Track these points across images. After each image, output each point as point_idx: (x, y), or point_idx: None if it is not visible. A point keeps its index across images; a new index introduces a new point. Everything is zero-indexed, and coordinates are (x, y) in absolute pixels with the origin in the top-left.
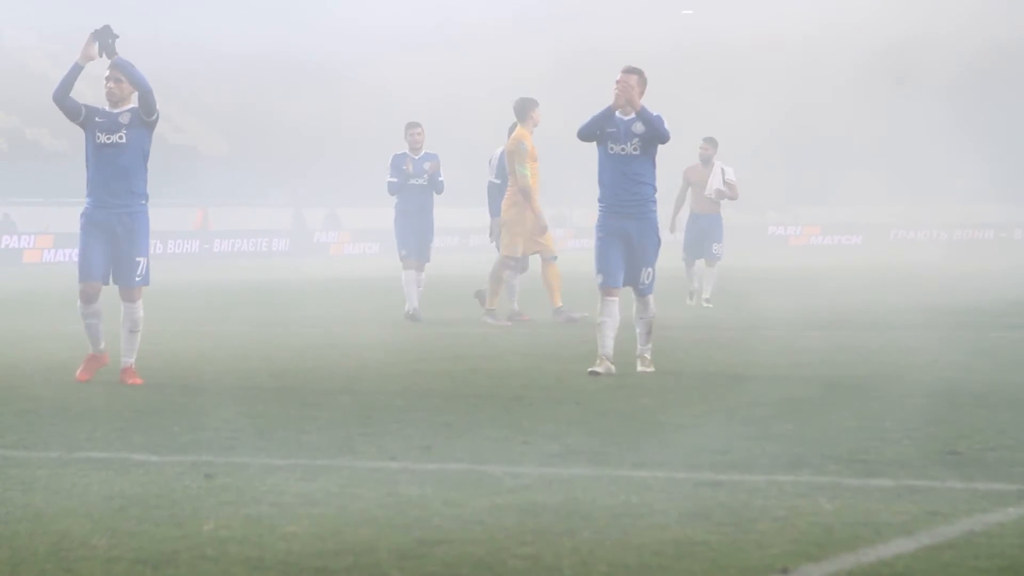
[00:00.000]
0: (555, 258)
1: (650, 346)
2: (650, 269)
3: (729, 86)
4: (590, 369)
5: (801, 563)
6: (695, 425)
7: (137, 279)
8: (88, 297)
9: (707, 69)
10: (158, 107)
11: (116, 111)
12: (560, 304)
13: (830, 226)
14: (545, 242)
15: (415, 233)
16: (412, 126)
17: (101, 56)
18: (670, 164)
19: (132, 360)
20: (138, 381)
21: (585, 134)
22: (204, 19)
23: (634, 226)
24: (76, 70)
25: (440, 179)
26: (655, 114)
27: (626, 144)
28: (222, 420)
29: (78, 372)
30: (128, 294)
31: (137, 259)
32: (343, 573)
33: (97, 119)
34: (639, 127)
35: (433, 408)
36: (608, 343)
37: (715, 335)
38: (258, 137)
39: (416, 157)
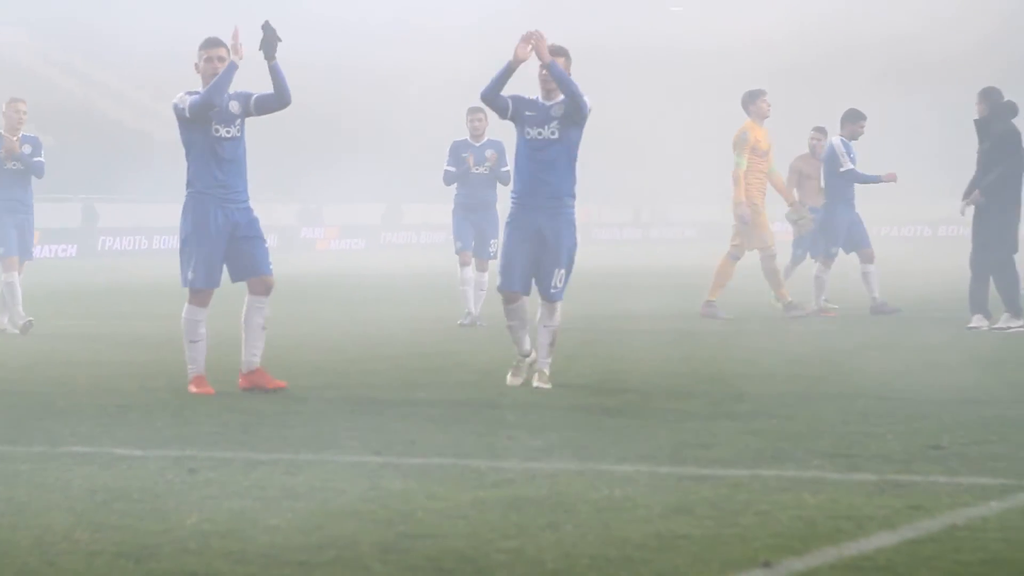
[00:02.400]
0: (737, 257)
1: (550, 360)
2: (562, 271)
3: (713, 84)
4: (511, 381)
5: (783, 557)
6: (678, 420)
7: (553, 291)
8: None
9: (692, 66)
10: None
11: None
12: (714, 298)
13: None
14: (740, 237)
15: (474, 227)
16: (473, 111)
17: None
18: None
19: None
20: (282, 384)
21: (487, 93)
22: (185, 10)
23: (548, 222)
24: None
25: (505, 169)
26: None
27: (543, 128)
28: (205, 415)
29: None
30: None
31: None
32: (326, 567)
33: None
34: (558, 110)
35: (417, 403)
36: (525, 340)
37: (698, 329)
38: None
39: (477, 144)
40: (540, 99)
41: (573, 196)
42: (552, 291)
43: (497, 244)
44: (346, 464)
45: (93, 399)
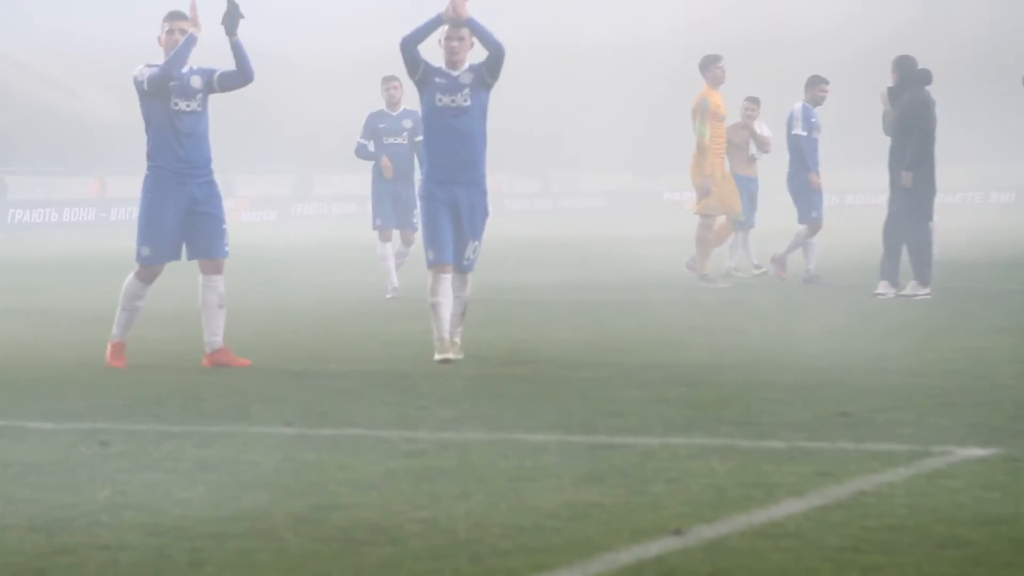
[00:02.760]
0: (710, 225)
1: (461, 330)
2: (477, 243)
3: (625, 47)
4: (439, 358)
5: (694, 524)
6: (589, 389)
7: (465, 263)
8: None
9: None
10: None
11: (455, 72)
12: (706, 271)
13: None
14: (708, 202)
15: (395, 199)
16: (389, 80)
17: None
18: None
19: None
20: (246, 362)
21: (408, 41)
22: None
23: (464, 193)
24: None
25: (420, 139)
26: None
27: (456, 95)
28: (117, 387)
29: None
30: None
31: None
32: (239, 538)
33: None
34: (467, 77)
35: (329, 374)
36: (447, 326)
37: (609, 298)
38: None
39: (394, 114)
40: (445, 67)
41: (486, 164)
42: (465, 263)
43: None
44: (258, 435)
45: (4, 373)
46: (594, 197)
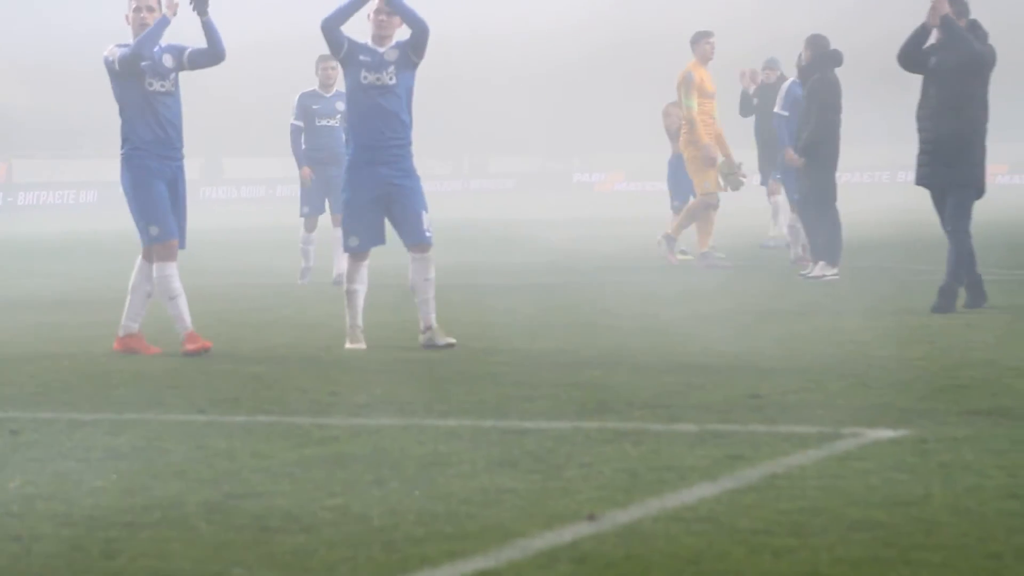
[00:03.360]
0: (718, 199)
1: (434, 314)
2: (425, 212)
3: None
4: (349, 346)
5: (608, 509)
6: (502, 373)
7: (428, 234)
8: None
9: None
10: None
11: (381, 49)
12: (707, 248)
13: (634, 173)
14: (709, 179)
15: (326, 183)
16: (325, 59)
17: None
18: None
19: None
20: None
21: (330, 22)
22: None
23: (395, 171)
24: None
25: None
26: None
27: (381, 73)
28: (27, 375)
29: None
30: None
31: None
32: (151, 527)
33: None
34: (392, 54)
35: (240, 359)
36: (359, 315)
37: (518, 282)
38: (62, 87)
39: (327, 95)
40: (371, 44)
41: (411, 143)
42: (427, 233)
43: None
44: (170, 423)
45: None
46: (504, 179)
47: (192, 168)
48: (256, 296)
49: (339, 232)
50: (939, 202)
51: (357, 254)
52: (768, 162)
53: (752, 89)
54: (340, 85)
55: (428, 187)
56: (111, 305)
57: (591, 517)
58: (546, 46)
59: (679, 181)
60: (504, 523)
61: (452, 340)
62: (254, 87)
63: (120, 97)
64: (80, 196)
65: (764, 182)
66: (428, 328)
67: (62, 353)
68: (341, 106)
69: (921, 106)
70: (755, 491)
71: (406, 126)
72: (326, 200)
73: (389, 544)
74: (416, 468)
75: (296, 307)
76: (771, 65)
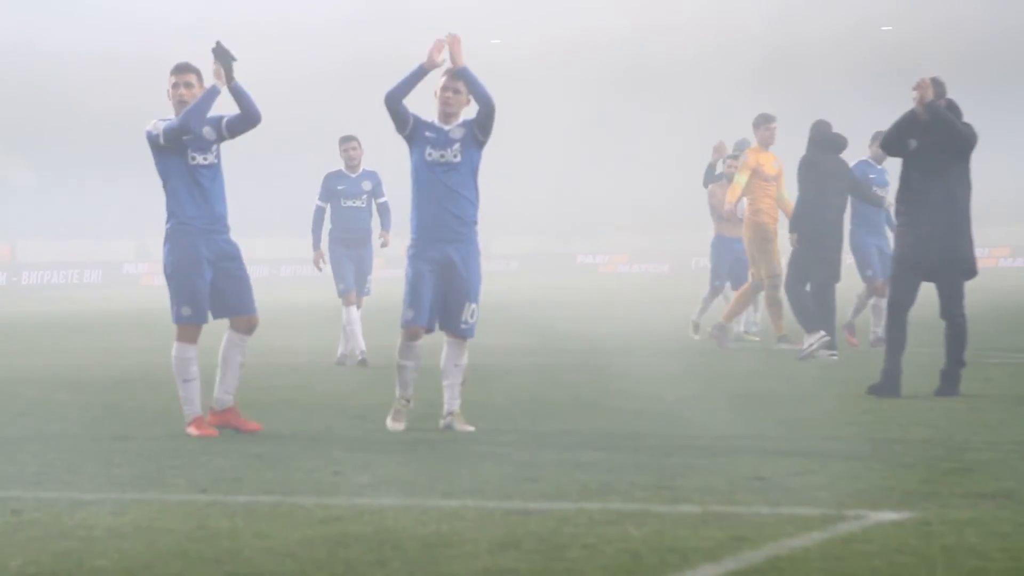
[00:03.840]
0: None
1: (459, 401)
2: (475, 306)
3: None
4: (390, 424)
5: None
6: (505, 453)
7: (467, 325)
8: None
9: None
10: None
11: (447, 127)
12: (727, 322)
13: (639, 253)
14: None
15: (353, 263)
16: (346, 140)
17: (220, 79)
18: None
19: None
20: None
21: (394, 97)
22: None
23: (456, 252)
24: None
25: (383, 200)
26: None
27: (445, 150)
28: (30, 454)
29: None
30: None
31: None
32: None
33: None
34: (458, 132)
35: (243, 439)
36: (412, 384)
37: (518, 364)
38: (66, 167)
39: (353, 176)
40: (437, 122)
41: (477, 222)
42: (463, 327)
43: (372, 280)
44: (172, 503)
45: None
46: (507, 260)
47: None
48: (256, 376)
49: (352, 311)
50: (915, 284)
51: (410, 329)
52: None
53: (719, 165)
54: (366, 164)
55: None
56: (113, 385)
57: None
58: (544, 125)
59: (721, 261)
60: None
61: (471, 428)
62: (258, 170)
63: (163, 172)
64: (84, 276)
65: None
66: (450, 414)
67: (64, 432)
68: (368, 186)
69: (904, 190)
70: (758, 573)
71: (471, 204)
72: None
73: None
74: (419, 548)
75: (299, 387)
76: (742, 147)
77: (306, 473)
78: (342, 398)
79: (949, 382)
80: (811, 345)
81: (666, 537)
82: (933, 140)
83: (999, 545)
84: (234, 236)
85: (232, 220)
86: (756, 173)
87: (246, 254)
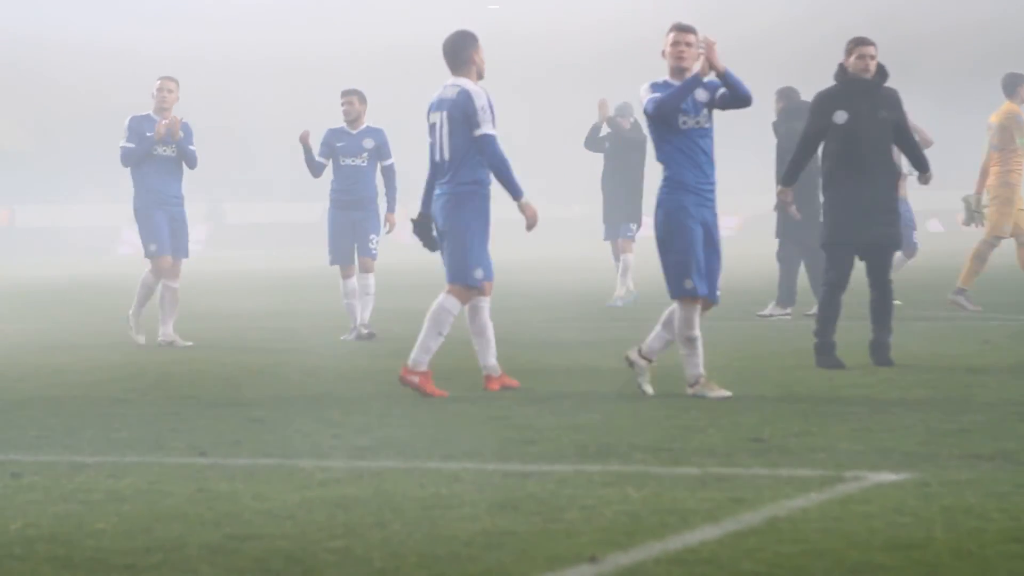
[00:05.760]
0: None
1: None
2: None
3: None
4: (720, 392)
5: (609, 551)
6: (504, 416)
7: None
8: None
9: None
10: None
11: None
12: (965, 286)
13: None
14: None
15: (353, 227)
16: (345, 94)
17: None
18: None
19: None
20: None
21: (667, 109)
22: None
23: (712, 217)
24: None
25: (389, 162)
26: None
27: (699, 115)
28: (29, 418)
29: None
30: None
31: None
32: (153, 570)
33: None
34: (702, 94)
35: (243, 403)
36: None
37: (522, 324)
38: (67, 131)
39: (354, 132)
40: (670, 79)
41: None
42: (718, 293)
43: (379, 240)
44: (172, 466)
45: None
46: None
47: (194, 213)
48: (258, 339)
49: (349, 284)
50: (851, 262)
51: (696, 300)
52: (619, 215)
53: (603, 127)
54: (370, 120)
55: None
56: (112, 349)
57: (593, 560)
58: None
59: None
60: (506, 565)
61: (726, 392)
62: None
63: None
64: (85, 241)
65: (610, 237)
66: (697, 382)
67: (63, 396)
68: (370, 144)
69: (835, 166)
70: (757, 534)
71: (713, 169)
72: (354, 247)
73: None
74: (418, 511)
75: (299, 350)
76: (623, 112)
77: (305, 436)
78: (342, 361)
79: (884, 350)
80: (773, 315)
81: (665, 499)
82: (860, 111)
83: (997, 505)
84: None
85: None
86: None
87: (249, 218)
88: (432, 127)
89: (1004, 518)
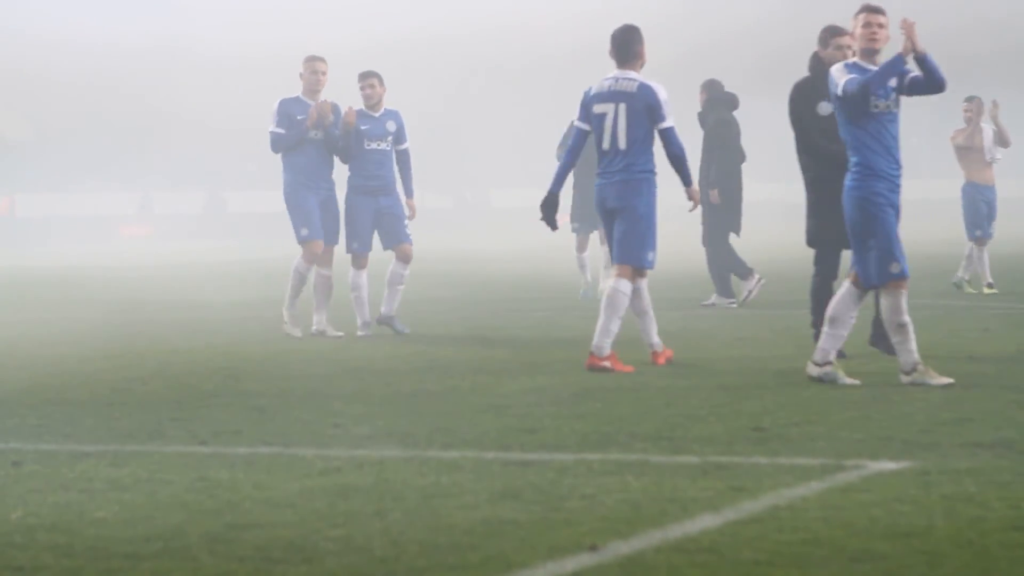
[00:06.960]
0: None
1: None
2: None
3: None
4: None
5: (610, 540)
6: (504, 404)
7: None
8: None
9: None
10: None
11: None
12: None
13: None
14: None
15: (378, 215)
16: (364, 76)
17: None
18: None
19: None
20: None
21: (872, 89)
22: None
23: (899, 203)
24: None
25: (404, 146)
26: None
27: (889, 99)
28: (29, 407)
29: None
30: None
31: None
32: (153, 558)
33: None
34: (894, 81)
35: (243, 391)
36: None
37: (523, 313)
38: (67, 121)
39: (376, 115)
40: (862, 62)
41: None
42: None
43: (411, 225)
44: (172, 454)
45: None
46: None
47: (193, 202)
48: (256, 329)
49: (360, 276)
50: (836, 254)
51: (905, 282)
52: (589, 212)
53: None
54: (389, 103)
55: (430, 218)
56: (112, 338)
57: (593, 548)
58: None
59: (977, 210)
60: (506, 554)
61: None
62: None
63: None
64: (83, 231)
65: (579, 231)
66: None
67: (64, 385)
68: (392, 127)
69: (816, 161)
70: (757, 523)
71: (900, 153)
72: (374, 234)
73: (391, 575)
74: (418, 499)
75: (298, 339)
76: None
77: (306, 425)
78: (343, 349)
79: (885, 338)
80: (750, 292)
81: (665, 487)
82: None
83: (997, 494)
84: None
85: None
86: None
87: (249, 207)
88: (601, 116)
89: (1004, 506)
